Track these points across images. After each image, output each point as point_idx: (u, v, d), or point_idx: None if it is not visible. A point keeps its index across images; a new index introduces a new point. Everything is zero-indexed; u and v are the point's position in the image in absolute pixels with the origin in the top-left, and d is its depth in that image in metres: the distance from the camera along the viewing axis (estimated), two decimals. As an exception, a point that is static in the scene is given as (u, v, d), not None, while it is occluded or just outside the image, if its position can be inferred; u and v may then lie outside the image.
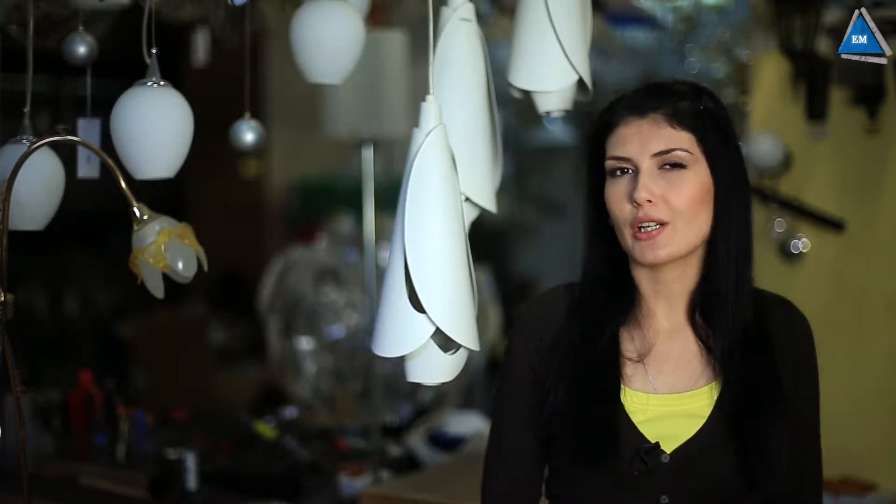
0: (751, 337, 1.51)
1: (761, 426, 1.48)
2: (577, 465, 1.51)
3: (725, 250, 1.51)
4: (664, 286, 1.54)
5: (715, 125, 1.51)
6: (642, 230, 1.47)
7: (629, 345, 1.55)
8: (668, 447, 1.48)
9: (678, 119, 1.48)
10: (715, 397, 1.50)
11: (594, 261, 1.57)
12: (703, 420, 1.49)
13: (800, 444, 1.54)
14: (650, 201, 1.46)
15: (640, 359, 1.54)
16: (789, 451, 1.50)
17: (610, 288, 1.56)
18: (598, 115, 1.58)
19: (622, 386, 1.52)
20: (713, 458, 1.47)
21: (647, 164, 1.47)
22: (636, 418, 1.50)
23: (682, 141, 1.48)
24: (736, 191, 1.51)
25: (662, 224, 1.47)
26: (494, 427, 1.63)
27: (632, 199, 1.47)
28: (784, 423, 1.49)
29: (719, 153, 1.50)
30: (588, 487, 1.51)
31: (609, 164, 1.51)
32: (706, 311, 1.53)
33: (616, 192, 1.50)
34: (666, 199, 1.46)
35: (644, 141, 1.48)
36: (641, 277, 1.56)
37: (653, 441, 1.48)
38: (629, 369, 1.54)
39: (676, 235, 1.47)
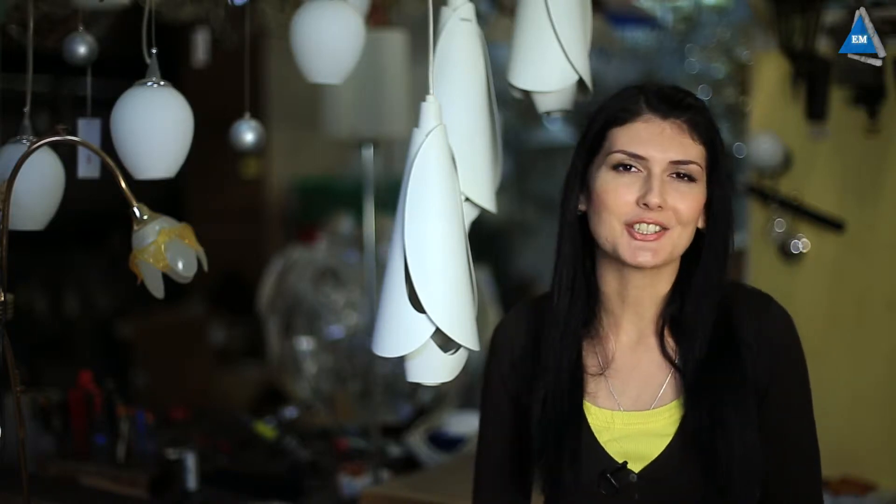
0: (718, 344, 1.49)
1: (727, 440, 1.45)
2: (548, 486, 1.52)
3: (710, 263, 1.50)
4: (632, 291, 1.52)
5: (721, 143, 1.51)
6: (638, 230, 1.45)
7: (591, 359, 1.54)
8: (636, 467, 1.48)
9: (697, 130, 1.48)
10: (679, 415, 1.49)
11: (569, 261, 1.53)
12: (669, 438, 1.48)
13: (786, 440, 1.51)
14: (661, 207, 1.45)
15: (602, 371, 1.53)
16: (774, 448, 1.49)
17: (578, 296, 1.53)
18: (605, 102, 1.53)
19: (588, 404, 1.52)
20: (681, 476, 1.47)
21: (660, 169, 1.45)
22: (602, 437, 1.50)
23: (697, 154, 1.47)
24: (726, 209, 1.51)
25: (664, 229, 1.46)
26: (480, 440, 1.65)
27: (640, 200, 1.45)
28: (752, 432, 1.47)
29: (719, 171, 1.50)
30: None
31: (619, 157, 1.47)
32: (675, 327, 1.52)
33: (617, 187, 1.46)
34: (675, 207, 1.45)
35: (665, 145, 1.46)
36: (609, 281, 1.53)
37: (620, 461, 1.48)
38: (592, 385, 1.53)
39: (671, 242, 1.47)
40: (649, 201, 1.44)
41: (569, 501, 1.51)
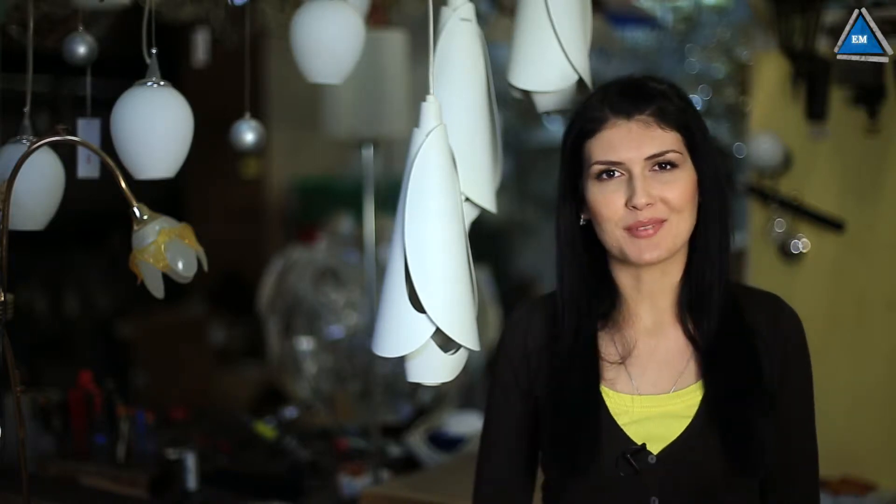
0: (734, 332, 1.52)
1: (746, 423, 1.48)
2: (565, 470, 1.52)
3: (711, 242, 1.52)
4: (647, 285, 1.54)
5: (696, 122, 1.52)
6: (638, 229, 1.47)
7: (611, 348, 1.55)
8: (655, 448, 1.49)
9: (665, 120, 1.49)
10: (699, 397, 1.51)
11: (570, 266, 1.56)
12: (689, 420, 1.50)
13: (791, 438, 1.53)
14: (650, 204, 1.46)
15: (622, 360, 1.54)
16: (779, 445, 1.51)
17: (588, 292, 1.56)
18: (573, 114, 1.57)
19: (606, 389, 1.53)
20: (700, 458, 1.48)
21: (639, 168, 1.47)
22: (621, 420, 1.51)
23: (671, 142, 1.49)
24: (717, 185, 1.52)
25: (661, 221, 1.47)
26: (484, 436, 1.65)
27: (628, 203, 1.47)
28: (768, 419, 1.49)
29: (702, 149, 1.51)
30: (579, 491, 1.52)
31: (597, 168, 1.50)
32: (691, 305, 1.54)
33: (605, 195, 1.49)
34: (664, 199, 1.47)
35: (636, 144, 1.47)
36: (623, 277, 1.55)
37: (639, 443, 1.49)
38: (611, 372, 1.54)
39: (672, 232, 1.48)
40: (636, 203, 1.46)
41: (584, 486, 1.51)
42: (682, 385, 1.52)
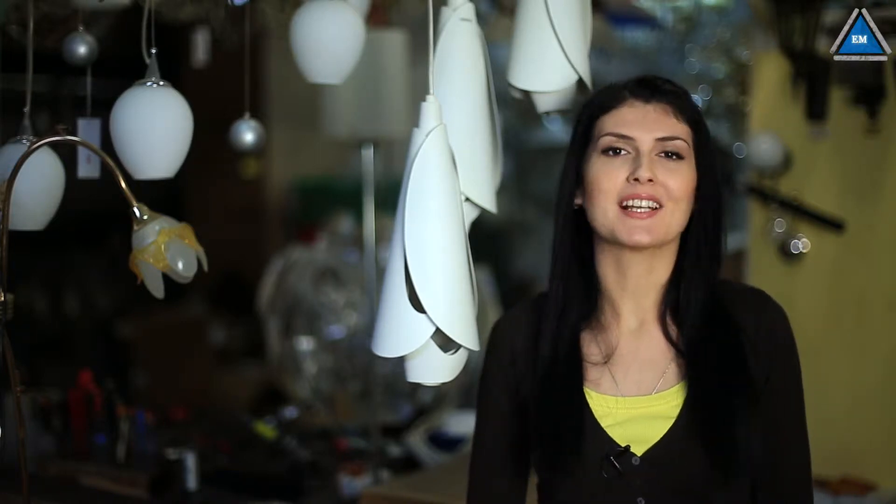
0: (718, 331, 1.52)
1: (730, 423, 1.48)
2: (551, 471, 1.53)
3: (702, 252, 1.53)
4: (632, 280, 1.54)
5: (704, 127, 1.55)
6: (633, 209, 1.48)
7: (594, 348, 1.55)
8: (639, 450, 1.49)
9: (682, 112, 1.53)
10: (682, 398, 1.50)
11: (561, 249, 1.57)
12: (672, 421, 1.49)
13: (781, 436, 1.53)
14: (651, 180, 1.48)
15: (605, 361, 1.54)
16: (769, 443, 1.51)
17: (575, 288, 1.56)
18: (591, 97, 1.60)
19: (589, 391, 1.53)
20: (684, 459, 1.48)
21: (648, 147, 1.49)
22: (605, 422, 1.51)
23: (683, 132, 1.52)
24: (714, 194, 1.54)
25: (657, 206, 1.48)
26: (476, 436, 1.66)
27: (630, 176, 1.48)
28: (753, 417, 1.49)
29: (705, 154, 1.54)
30: (565, 492, 1.52)
31: (607, 140, 1.51)
32: (675, 308, 1.54)
33: (610, 170, 1.50)
34: (665, 184, 1.49)
35: (650, 124, 1.50)
36: (609, 272, 1.55)
37: (623, 444, 1.49)
38: (594, 373, 1.54)
39: (665, 220, 1.49)
40: (639, 175, 1.48)
41: (571, 487, 1.51)
42: (664, 386, 1.52)
